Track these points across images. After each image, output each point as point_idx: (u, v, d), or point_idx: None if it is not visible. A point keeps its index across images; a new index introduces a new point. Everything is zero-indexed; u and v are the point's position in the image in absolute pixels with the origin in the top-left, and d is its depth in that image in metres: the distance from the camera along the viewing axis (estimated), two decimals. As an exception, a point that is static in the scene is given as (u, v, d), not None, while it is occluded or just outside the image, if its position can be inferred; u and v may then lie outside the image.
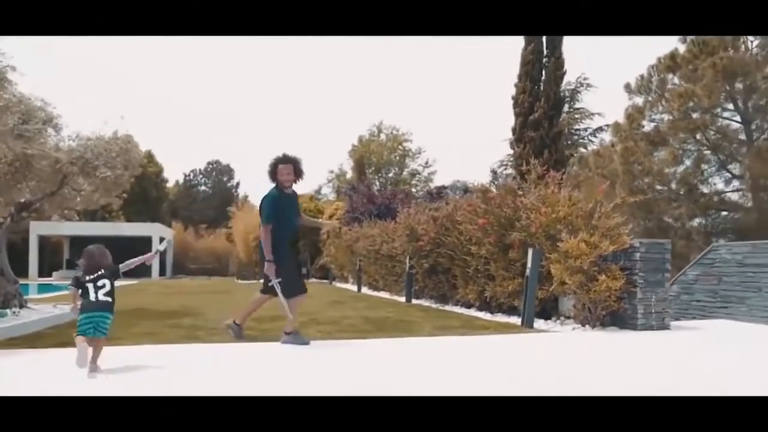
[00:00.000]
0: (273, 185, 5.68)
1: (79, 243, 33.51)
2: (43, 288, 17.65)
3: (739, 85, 17.90)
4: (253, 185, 70.37)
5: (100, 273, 4.37)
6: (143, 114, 63.92)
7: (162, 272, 33.63)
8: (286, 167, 5.59)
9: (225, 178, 59.71)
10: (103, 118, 9.48)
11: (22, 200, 7.88)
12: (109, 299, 4.31)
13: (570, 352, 5.39)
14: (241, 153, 78.59)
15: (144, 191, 41.62)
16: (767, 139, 17.98)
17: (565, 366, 4.55)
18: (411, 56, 68.31)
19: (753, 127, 18.47)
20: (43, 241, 31.93)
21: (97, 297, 4.24)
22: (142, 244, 32.59)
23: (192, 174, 59.39)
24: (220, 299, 12.46)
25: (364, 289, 15.73)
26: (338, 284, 20.39)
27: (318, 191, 43.42)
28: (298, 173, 5.69)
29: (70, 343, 5.40)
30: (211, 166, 59.73)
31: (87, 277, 4.32)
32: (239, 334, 5.89)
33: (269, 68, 73.71)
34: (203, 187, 59.28)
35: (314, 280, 24.74)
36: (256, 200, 52.14)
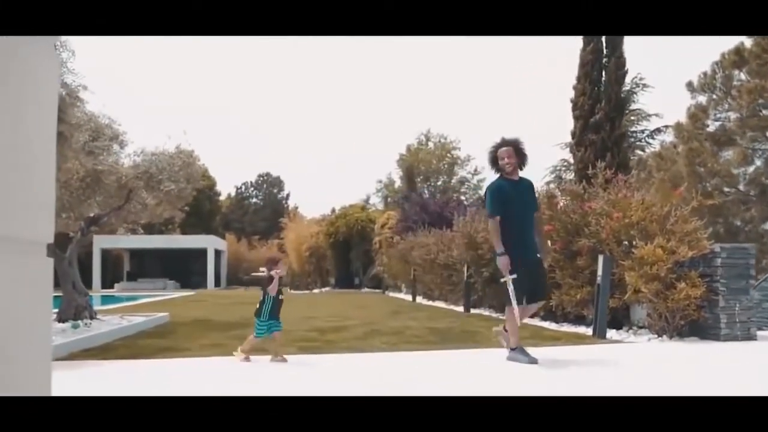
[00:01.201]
0: (497, 176, 5.06)
1: (138, 255, 34.71)
2: (106, 299, 18.30)
3: (813, 79, 16.89)
4: (303, 196, 71.32)
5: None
6: (196, 128, 65.89)
7: (217, 283, 34.38)
8: (506, 151, 4.94)
9: (275, 190, 60.83)
10: (166, 134, 9.76)
11: (92, 215, 8.11)
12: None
13: (655, 363, 5.08)
14: (290, 164, 79.89)
15: (198, 204, 42.70)
16: None
17: (656, 377, 4.26)
18: (459, 61, 67.97)
19: (831, 122, 17.38)
20: (105, 254, 33.16)
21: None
22: (197, 256, 33.55)
23: (243, 186, 60.77)
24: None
25: (419, 299, 15.56)
26: (392, 294, 20.28)
27: (367, 201, 43.58)
28: (520, 156, 5.00)
29: (142, 354, 5.47)
30: (261, 178, 60.99)
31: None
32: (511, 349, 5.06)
33: (317, 79, 74.83)
34: (254, 200, 60.52)
35: (367, 290, 24.74)
36: (306, 211, 53.00)
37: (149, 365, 4.98)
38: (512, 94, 66.42)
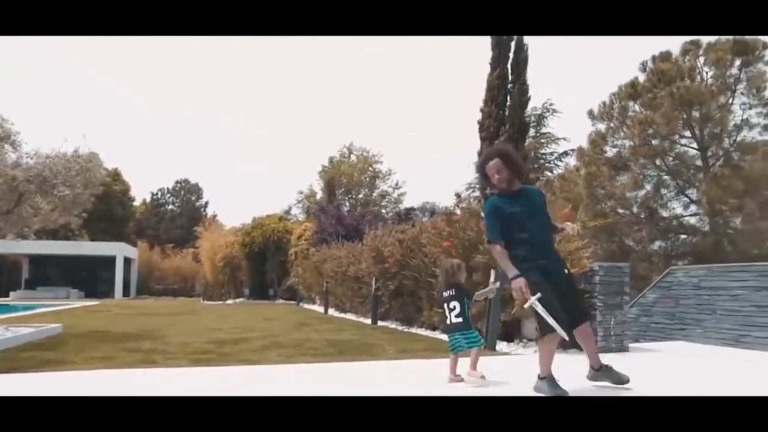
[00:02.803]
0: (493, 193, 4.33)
1: (38, 262, 32.57)
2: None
3: (695, 114, 18.60)
4: (223, 205, 69.58)
5: (450, 293, 4.66)
6: (111, 131, 62.94)
7: (126, 293, 32.84)
8: (494, 165, 4.18)
9: (193, 197, 59.06)
10: (63, 136, 9.31)
11: (-24, 219, 7.66)
12: (460, 320, 4.62)
13: (529, 373, 5.43)
14: (212, 172, 77.79)
15: (110, 210, 40.83)
16: (722, 166, 18.67)
17: (520, 387, 4.58)
18: (384, 77, 69.06)
19: (709, 153, 19.18)
20: (1, 259, 30.91)
21: (450, 318, 4.64)
22: (106, 263, 31.94)
23: (160, 193, 58.60)
24: (183, 321, 12.24)
25: (331, 311, 15.63)
26: (306, 306, 20.21)
27: (288, 211, 43.23)
28: (512, 166, 4.19)
29: (21, 368, 5.24)
30: (179, 185, 59.05)
31: (443, 294, 4.73)
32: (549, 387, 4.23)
33: (240, 88, 73.58)
34: (171, 206, 58.47)
35: (281, 301, 24.49)
36: (226, 220, 51.75)
37: (22, 379, 4.78)
38: (436, 112, 68.21)
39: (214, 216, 50.37)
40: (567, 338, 4.00)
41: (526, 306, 4.01)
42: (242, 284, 28.35)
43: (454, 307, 4.61)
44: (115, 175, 43.80)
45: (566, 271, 4.36)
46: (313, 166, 61.25)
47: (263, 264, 26.24)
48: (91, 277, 31.90)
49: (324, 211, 22.34)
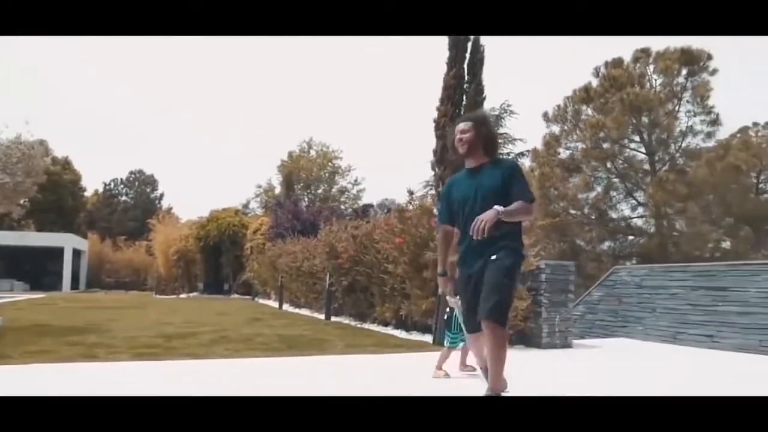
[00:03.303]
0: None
1: (-21, 252, 31.21)
2: (-66, 301, 16.28)
3: (644, 119, 19.31)
4: (180, 197, 68.22)
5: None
6: (63, 120, 60.77)
7: (75, 285, 31.82)
8: (462, 127, 3.56)
9: (148, 189, 57.65)
10: (3, 122, 8.95)
11: None
12: (445, 317, 4.98)
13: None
14: (169, 164, 76.02)
15: (59, 200, 39.51)
16: (668, 171, 19.43)
17: (459, 383, 4.70)
18: (346, 74, 68.82)
19: (656, 158, 19.96)
20: (-62, 250, 29.52)
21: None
22: (53, 255, 30.83)
23: (113, 183, 56.96)
24: (132, 315, 11.98)
25: (286, 306, 15.57)
26: (261, 301, 20.05)
27: (246, 205, 42.70)
28: (479, 134, 3.51)
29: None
30: (133, 175, 57.53)
31: None
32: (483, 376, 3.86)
33: (202, 78, 72.12)
34: (124, 198, 56.95)
35: (236, 296, 24.21)
36: (183, 213, 50.73)
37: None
38: (396, 110, 68.44)
39: (170, 209, 49.39)
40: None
41: (447, 309, 4.09)
42: (196, 278, 27.89)
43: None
44: (66, 164, 42.38)
45: (494, 257, 3.39)
46: (272, 161, 60.66)
47: (218, 258, 25.87)
48: (37, 270, 30.74)
49: (281, 206, 22.17)
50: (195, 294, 25.69)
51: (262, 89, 70.70)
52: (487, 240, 3.20)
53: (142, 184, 57.52)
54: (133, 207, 54.36)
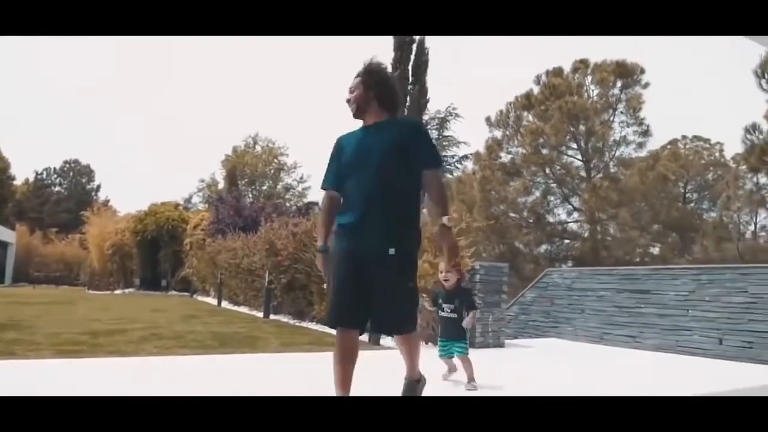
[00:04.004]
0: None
1: None
2: None
3: (581, 128, 20.11)
4: (119, 190, 65.95)
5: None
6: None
7: (0, 279, 30.25)
8: (354, 83, 3.13)
9: (84, 180, 55.33)
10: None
11: None
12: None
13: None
14: (109, 155, 73.15)
15: (-17, 188, 37.39)
16: (602, 178, 20.31)
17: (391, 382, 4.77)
18: (294, 71, 68.15)
19: (591, 165, 20.84)
20: None
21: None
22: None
23: (45, 173, 54.35)
24: (59, 310, 11.49)
25: (225, 304, 15.30)
26: (200, 298, 19.61)
27: (188, 200, 41.65)
28: (370, 86, 3.07)
29: None
30: (68, 165, 55.07)
31: None
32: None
33: (148, 68, 69.72)
34: (57, 188, 54.45)
35: (174, 292, 23.56)
36: (120, 206, 48.89)
37: None
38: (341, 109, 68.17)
39: (107, 201, 47.61)
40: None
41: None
42: (133, 274, 26.96)
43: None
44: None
45: (392, 251, 2.86)
46: (217, 156, 59.38)
47: (156, 253, 25.09)
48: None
49: (222, 201, 21.75)
50: (131, 290, 24.84)
51: (209, 83, 69.11)
52: (381, 219, 2.88)
53: (78, 174, 55.20)
54: (67, 198, 52.10)
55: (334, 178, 3.10)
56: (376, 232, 2.90)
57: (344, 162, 3.06)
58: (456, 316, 4.57)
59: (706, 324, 8.05)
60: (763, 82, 12.92)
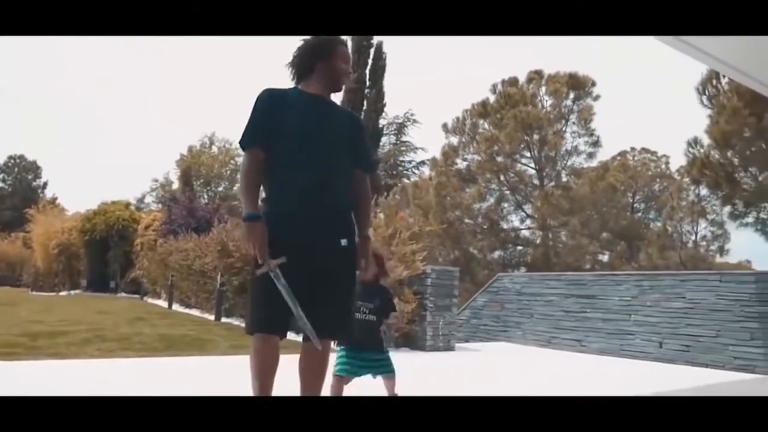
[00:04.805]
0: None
1: None
2: None
3: (535, 137, 20.63)
4: (68, 188, 63.81)
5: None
6: (-72, 93, 54.60)
7: (-68, 279, 28.69)
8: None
9: (30, 176, 53.18)
10: None
11: None
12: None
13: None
14: (57, 151, 70.47)
15: None
16: (554, 186, 20.86)
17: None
18: (252, 70, 67.33)
19: (544, 174, 21.40)
20: None
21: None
22: None
23: (-14, 169, 52.04)
24: (-3, 312, 11.04)
25: (176, 306, 14.97)
26: (150, 300, 19.11)
27: (141, 200, 40.60)
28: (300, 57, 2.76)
29: None
30: (12, 161, 52.84)
31: None
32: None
33: (103, 63, 67.59)
34: (1, 184, 52.19)
35: (124, 294, 22.87)
36: (70, 204, 47.18)
37: None
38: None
39: (54, 199, 45.85)
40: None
41: (258, 273, 2.52)
42: (80, 275, 26.02)
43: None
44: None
45: (344, 242, 2.63)
46: (172, 155, 58.05)
47: (105, 254, 24.27)
48: None
49: (175, 201, 21.29)
50: (77, 291, 23.99)
51: (166, 81, 67.60)
52: (333, 206, 2.62)
53: (23, 170, 53.01)
54: (11, 195, 49.97)
55: (264, 134, 2.59)
56: (328, 221, 2.58)
57: (286, 127, 2.59)
58: (374, 318, 3.43)
59: (647, 328, 8.37)
60: (704, 98, 13.58)
